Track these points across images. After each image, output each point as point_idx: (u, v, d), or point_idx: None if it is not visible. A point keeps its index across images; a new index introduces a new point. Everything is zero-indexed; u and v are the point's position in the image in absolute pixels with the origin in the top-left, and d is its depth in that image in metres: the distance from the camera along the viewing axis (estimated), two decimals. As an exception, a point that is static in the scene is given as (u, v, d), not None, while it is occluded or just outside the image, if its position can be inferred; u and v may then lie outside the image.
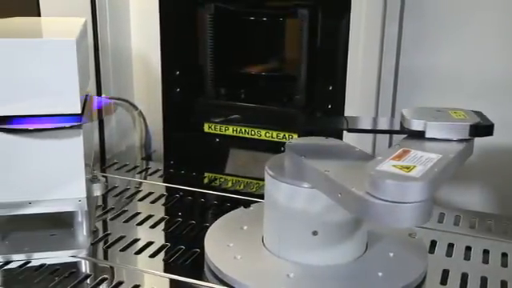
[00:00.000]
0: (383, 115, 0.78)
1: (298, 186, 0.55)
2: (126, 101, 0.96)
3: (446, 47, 0.77)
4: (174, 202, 0.77)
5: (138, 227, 0.69)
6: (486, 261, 0.61)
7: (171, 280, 0.57)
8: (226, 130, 0.92)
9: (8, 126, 0.56)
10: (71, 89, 0.56)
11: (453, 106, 0.57)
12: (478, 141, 0.53)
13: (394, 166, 0.46)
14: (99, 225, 0.69)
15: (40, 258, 0.60)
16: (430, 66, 0.78)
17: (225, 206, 0.74)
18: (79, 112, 0.57)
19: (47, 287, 0.55)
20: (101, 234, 0.66)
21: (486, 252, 0.63)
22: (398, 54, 0.78)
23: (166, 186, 0.82)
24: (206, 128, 0.93)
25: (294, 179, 0.55)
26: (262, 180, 0.60)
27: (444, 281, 0.57)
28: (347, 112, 0.81)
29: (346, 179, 0.48)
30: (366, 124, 0.64)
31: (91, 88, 0.81)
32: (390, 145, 0.79)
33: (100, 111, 0.68)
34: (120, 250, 0.63)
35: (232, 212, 0.69)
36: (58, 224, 0.64)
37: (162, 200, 0.77)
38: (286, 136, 0.87)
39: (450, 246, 0.64)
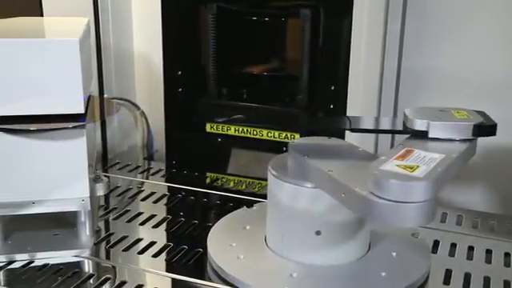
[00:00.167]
0: (385, 115, 0.78)
1: (301, 186, 0.55)
2: (128, 101, 0.96)
3: (448, 47, 0.77)
4: (177, 202, 0.77)
5: (141, 227, 0.69)
6: (488, 261, 0.61)
7: (174, 280, 0.57)
8: (228, 129, 0.92)
9: (12, 127, 0.56)
10: (75, 89, 0.56)
11: (455, 106, 0.57)
12: (481, 141, 0.53)
13: (398, 165, 0.46)
14: (102, 225, 0.69)
15: (43, 258, 0.60)
16: (433, 66, 0.78)
17: (227, 206, 0.74)
18: (83, 112, 0.58)
19: (50, 287, 0.55)
20: (103, 234, 0.66)
21: (488, 252, 0.63)
22: (401, 53, 0.78)
23: (168, 186, 0.82)
24: (208, 128, 0.93)
25: (297, 179, 0.55)
26: (264, 180, 0.60)
27: (447, 280, 0.57)
28: (349, 112, 0.81)
29: (350, 179, 0.48)
30: (369, 124, 0.64)
31: (93, 88, 0.81)
32: (392, 145, 0.79)
33: (102, 111, 0.68)
34: (123, 250, 0.63)
35: (235, 212, 0.69)
36: (61, 224, 0.64)
37: (165, 200, 0.77)
38: (288, 136, 0.88)
39: (453, 245, 0.64)
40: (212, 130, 0.93)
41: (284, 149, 0.84)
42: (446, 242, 0.65)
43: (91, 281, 0.56)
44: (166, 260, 0.61)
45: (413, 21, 0.77)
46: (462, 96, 0.77)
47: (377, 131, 0.72)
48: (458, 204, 0.79)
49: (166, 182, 0.84)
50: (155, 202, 0.77)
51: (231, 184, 0.84)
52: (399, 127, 0.56)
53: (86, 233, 0.63)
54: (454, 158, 0.48)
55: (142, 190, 0.80)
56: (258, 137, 0.90)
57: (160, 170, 0.89)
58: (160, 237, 0.66)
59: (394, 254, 0.59)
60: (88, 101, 0.63)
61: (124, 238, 0.65)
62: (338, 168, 0.52)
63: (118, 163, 0.91)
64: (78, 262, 0.60)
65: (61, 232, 0.64)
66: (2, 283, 0.56)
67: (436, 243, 0.65)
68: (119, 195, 0.78)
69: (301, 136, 0.84)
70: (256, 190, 0.82)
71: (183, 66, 0.93)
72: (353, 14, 0.78)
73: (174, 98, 0.94)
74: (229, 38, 0.90)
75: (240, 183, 0.84)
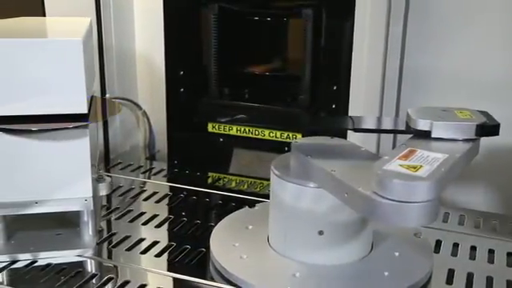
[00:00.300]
0: (387, 115, 0.78)
1: (304, 186, 0.55)
2: (130, 101, 0.96)
3: (450, 47, 0.77)
4: (179, 202, 0.77)
5: (143, 227, 0.69)
6: (491, 260, 0.61)
7: (177, 279, 0.58)
8: (229, 129, 0.92)
9: (15, 127, 0.56)
10: (78, 89, 0.56)
11: (458, 106, 0.57)
12: (484, 140, 0.54)
13: (401, 165, 0.46)
14: (104, 224, 0.69)
15: (46, 258, 0.60)
16: (435, 66, 0.78)
17: (229, 206, 0.74)
18: (86, 112, 0.58)
19: (53, 287, 0.55)
20: (106, 234, 0.66)
21: (491, 252, 0.63)
22: (403, 53, 0.78)
23: (171, 186, 0.82)
24: (209, 128, 0.93)
25: (300, 179, 0.55)
26: (266, 180, 0.60)
27: (450, 280, 0.57)
28: (351, 112, 0.81)
29: (353, 179, 0.48)
30: (372, 124, 0.64)
31: (95, 88, 0.81)
32: (395, 145, 0.79)
33: (105, 111, 0.68)
34: (125, 250, 0.63)
35: (237, 212, 0.69)
36: (63, 223, 0.65)
37: (167, 200, 0.77)
38: (290, 136, 0.88)
39: (455, 245, 0.64)
40: (214, 130, 0.93)
41: (286, 149, 0.85)
42: (448, 241, 0.65)
43: (94, 280, 0.57)
44: (168, 260, 0.61)
45: (415, 22, 0.77)
46: (464, 96, 0.77)
47: (380, 131, 0.72)
48: (461, 204, 0.79)
49: (168, 181, 0.85)
50: (157, 201, 0.77)
51: (233, 184, 0.84)
52: (402, 127, 0.56)
53: (88, 232, 0.63)
54: (457, 158, 0.49)
55: (144, 190, 0.80)
56: (259, 137, 0.90)
57: (162, 170, 0.89)
58: (162, 237, 0.66)
59: (397, 253, 0.59)
60: (90, 101, 0.64)
61: (126, 237, 0.66)
62: (341, 168, 0.52)
63: (120, 163, 0.91)
64: (81, 262, 0.60)
65: (63, 232, 0.64)
66: (6, 283, 0.56)
67: (438, 243, 0.65)
68: (121, 195, 0.78)
69: (303, 136, 0.84)
70: (258, 189, 0.82)
71: (185, 66, 0.94)
72: (355, 14, 0.78)
73: (175, 97, 0.94)
74: (231, 37, 0.90)
75: (242, 183, 0.84)
